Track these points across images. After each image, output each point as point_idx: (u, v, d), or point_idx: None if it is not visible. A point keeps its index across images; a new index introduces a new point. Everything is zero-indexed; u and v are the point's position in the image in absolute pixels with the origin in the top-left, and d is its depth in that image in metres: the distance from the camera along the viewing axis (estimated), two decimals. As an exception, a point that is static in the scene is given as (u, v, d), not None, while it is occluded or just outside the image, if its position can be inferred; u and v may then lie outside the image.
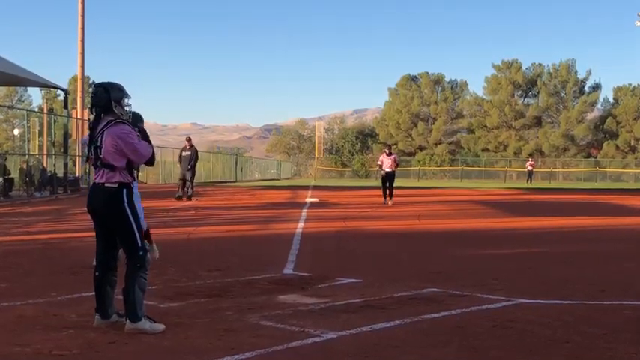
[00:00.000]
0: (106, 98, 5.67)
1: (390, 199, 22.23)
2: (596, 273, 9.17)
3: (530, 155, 72.63)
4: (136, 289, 5.58)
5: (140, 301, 5.60)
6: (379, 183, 24.20)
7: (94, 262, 5.96)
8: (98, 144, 5.63)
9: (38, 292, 7.18)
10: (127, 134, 5.63)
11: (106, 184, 5.64)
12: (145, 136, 6.84)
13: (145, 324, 5.56)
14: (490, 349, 5.20)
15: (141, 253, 5.65)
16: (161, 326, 5.61)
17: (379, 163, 23.28)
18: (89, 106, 5.86)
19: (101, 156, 5.62)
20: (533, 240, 13.46)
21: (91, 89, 6.15)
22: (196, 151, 24.00)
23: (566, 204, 26.19)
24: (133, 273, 5.62)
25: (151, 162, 6.08)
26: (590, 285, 8.12)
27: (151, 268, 5.96)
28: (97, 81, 6.24)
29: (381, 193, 22.93)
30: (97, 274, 5.78)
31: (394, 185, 22.80)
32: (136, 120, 8.78)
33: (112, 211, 5.64)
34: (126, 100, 5.76)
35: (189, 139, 24.10)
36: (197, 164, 24.53)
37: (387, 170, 22.51)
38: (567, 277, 8.76)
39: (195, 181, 24.72)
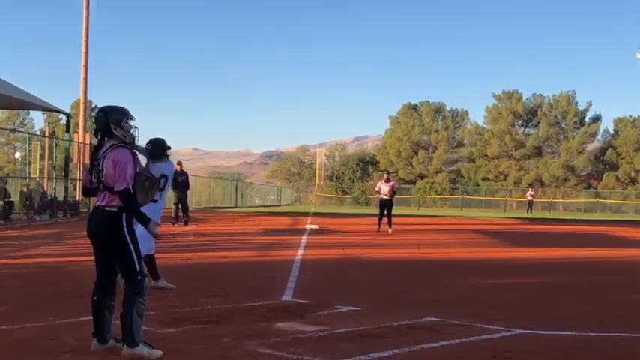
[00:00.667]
0: (105, 122, 5.69)
1: (390, 227, 22.18)
2: (595, 304, 9.14)
3: (530, 185, 72.64)
4: (134, 315, 5.57)
5: (138, 326, 5.58)
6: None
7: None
8: (100, 167, 5.65)
9: (36, 316, 7.16)
10: (121, 159, 5.59)
11: (106, 208, 5.65)
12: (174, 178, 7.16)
13: (143, 349, 5.54)
14: (488, 380, 5.18)
15: (139, 278, 5.64)
16: (159, 352, 5.59)
17: (377, 189, 23.31)
18: (93, 130, 5.88)
19: (102, 179, 5.63)
20: (533, 270, 13.44)
21: (93, 113, 6.20)
22: (187, 176, 24.33)
23: (566, 234, 26.14)
24: (131, 298, 5.61)
25: (121, 196, 5.58)
26: (588, 316, 8.10)
27: (149, 294, 5.95)
28: (99, 105, 6.28)
29: (376, 221, 22.91)
30: (95, 298, 5.76)
31: (392, 213, 22.75)
32: (157, 149, 8.90)
33: (110, 234, 5.64)
34: (130, 122, 5.75)
35: (180, 164, 24.18)
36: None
37: (385, 197, 22.50)
38: (566, 307, 8.74)
39: (194, 206, 24.85)
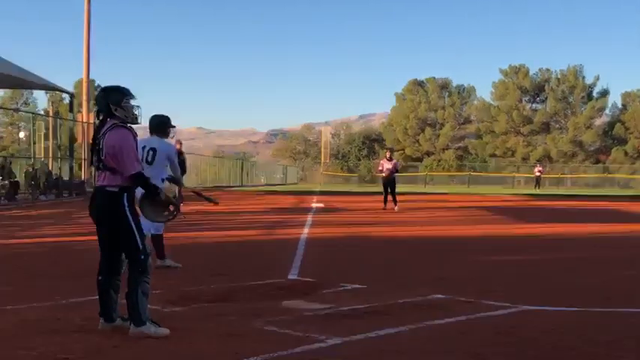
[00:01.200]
0: (105, 103, 5.67)
1: (395, 204, 22.19)
2: (602, 280, 9.13)
3: (539, 161, 72.45)
4: (139, 294, 5.57)
5: (144, 305, 5.59)
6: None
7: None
8: (100, 146, 5.63)
9: (43, 296, 7.19)
10: (121, 140, 5.57)
11: (107, 188, 5.63)
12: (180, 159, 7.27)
13: (149, 328, 5.56)
14: (494, 356, 5.18)
15: (142, 257, 5.64)
16: (165, 330, 5.60)
17: (379, 168, 23.29)
18: (95, 111, 5.88)
19: (102, 158, 5.61)
20: (540, 247, 13.42)
21: (96, 93, 6.16)
22: (185, 158, 24.14)
23: (574, 210, 26.11)
24: (135, 277, 5.61)
25: (136, 180, 5.66)
26: (595, 292, 8.09)
27: (154, 273, 5.96)
28: (102, 84, 6.26)
29: (382, 199, 22.94)
30: (100, 278, 5.77)
31: (396, 191, 22.75)
32: (162, 125, 8.82)
33: (112, 214, 5.62)
34: (130, 101, 5.71)
35: (180, 143, 24.09)
36: None
37: (387, 175, 22.47)
38: (573, 284, 8.73)
39: (200, 184, 24.75)
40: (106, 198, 5.63)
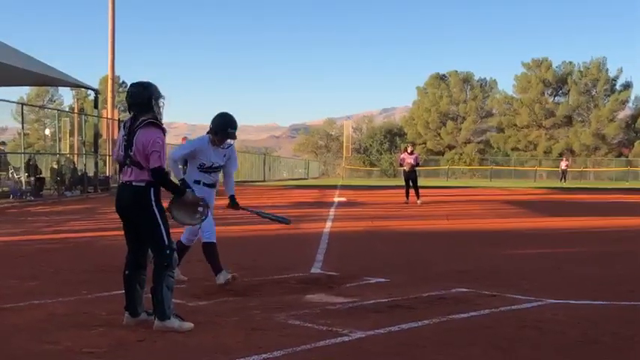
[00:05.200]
0: (147, 95, 5.67)
1: (418, 198, 22.14)
2: (626, 273, 9.07)
3: (563, 154, 71.81)
4: (164, 288, 5.62)
5: (168, 299, 5.63)
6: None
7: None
8: (130, 142, 5.67)
9: (69, 290, 7.26)
10: (154, 139, 5.60)
11: (134, 183, 5.67)
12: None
13: (174, 322, 5.60)
14: (518, 350, 5.17)
15: (167, 252, 5.68)
16: (189, 325, 5.64)
17: (400, 161, 23.23)
18: (127, 104, 5.85)
19: (131, 153, 5.65)
20: (563, 240, 13.34)
21: (121, 89, 6.18)
22: None
23: (596, 204, 25.90)
24: (160, 272, 5.66)
25: (156, 175, 5.61)
26: (619, 285, 8.04)
27: (179, 267, 6.00)
28: (127, 81, 6.27)
29: (404, 192, 22.92)
30: (126, 272, 5.83)
31: (418, 184, 22.70)
32: (225, 126, 7.48)
33: (139, 210, 5.66)
34: (161, 100, 5.77)
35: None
36: None
37: (408, 169, 22.41)
38: (597, 277, 8.68)
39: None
40: (133, 193, 5.67)
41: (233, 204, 7.83)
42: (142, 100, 5.69)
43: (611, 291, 7.64)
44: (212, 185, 7.65)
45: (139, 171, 5.64)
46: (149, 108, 5.68)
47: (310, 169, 79.28)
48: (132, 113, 5.78)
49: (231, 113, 7.66)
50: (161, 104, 5.77)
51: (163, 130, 5.74)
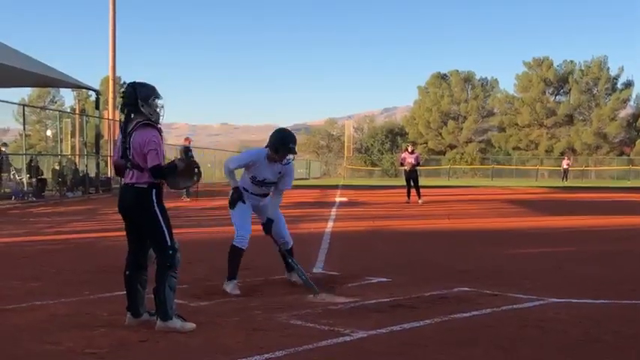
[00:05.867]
0: (133, 97, 5.66)
1: (419, 197, 22.16)
2: (628, 272, 9.07)
3: (565, 153, 71.75)
4: (167, 289, 5.62)
5: (171, 300, 5.64)
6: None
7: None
8: (127, 145, 5.68)
9: (70, 291, 7.27)
10: (149, 139, 5.60)
11: (136, 185, 5.68)
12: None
13: (176, 323, 5.60)
14: (520, 349, 5.17)
15: (170, 252, 5.69)
16: (192, 325, 5.64)
17: (401, 161, 23.25)
18: (120, 105, 5.87)
19: (130, 157, 5.66)
20: (564, 239, 13.34)
21: (122, 90, 6.17)
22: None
23: (598, 203, 25.88)
24: (163, 272, 5.66)
25: (155, 173, 5.61)
26: (621, 284, 8.04)
27: (181, 268, 6.00)
28: (127, 81, 6.23)
29: (405, 192, 22.94)
30: (127, 273, 5.83)
31: (419, 183, 22.74)
32: (286, 140, 7.29)
33: (141, 211, 5.67)
34: (157, 100, 5.73)
35: (189, 140, 24.42)
36: None
37: (409, 168, 22.42)
38: (599, 276, 8.67)
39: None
40: (135, 194, 5.67)
41: (267, 230, 7.60)
42: (131, 101, 5.70)
43: (612, 290, 7.64)
44: (261, 195, 7.59)
45: (139, 173, 5.65)
46: (137, 109, 5.67)
47: (311, 169, 79.24)
48: (125, 113, 5.78)
49: (291, 132, 7.60)
50: (159, 104, 5.74)
51: (159, 130, 5.73)
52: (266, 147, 7.40)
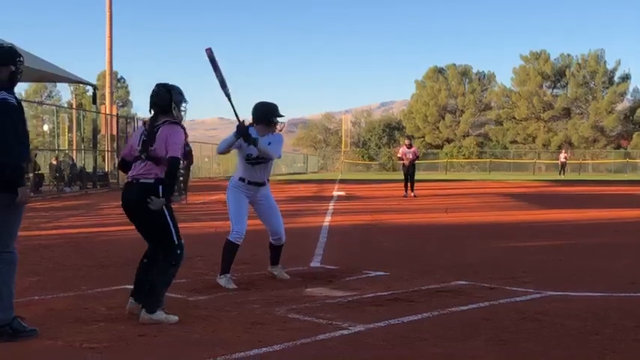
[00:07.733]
0: (168, 99, 5.73)
1: (412, 190, 22.30)
2: (626, 265, 9.07)
3: (562, 147, 71.81)
4: (164, 284, 5.66)
5: (163, 295, 5.69)
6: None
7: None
8: (151, 138, 5.67)
9: (69, 286, 7.26)
10: (177, 134, 5.68)
11: (141, 180, 5.67)
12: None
13: (161, 315, 5.63)
14: (519, 342, 5.17)
15: (178, 252, 5.69)
16: (175, 318, 5.67)
17: (399, 155, 23.30)
18: (149, 103, 5.85)
19: (152, 148, 5.64)
20: (563, 232, 13.34)
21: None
22: (191, 148, 24.19)
23: (595, 196, 25.92)
24: (166, 269, 5.68)
25: (173, 164, 5.59)
26: (620, 277, 8.05)
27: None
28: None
29: (402, 186, 23.03)
30: (144, 260, 5.90)
31: (415, 178, 22.86)
32: (267, 115, 7.38)
33: (148, 207, 5.59)
34: (184, 104, 5.83)
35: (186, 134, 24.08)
36: None
37: (408, 163, 22.51)
38: (597, 269, 8.68)
39: (222, 175, 24.85)
40: (140, 190, 5.65)
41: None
42: (164, 103, 5.75)
43: (611, 283, 7.65)
44: (257, 184, 7.52)
45: (151, 165, 5.63)
46: (168, 111, 5.74)
47: (309, 163, 79.27)
48: (153, 113, 5.82)
49: (272, 102, 7.58)
50: (183, 108, 5.84)
51: (184, 130, 5.81)
52: (250, 125, 7.31)
